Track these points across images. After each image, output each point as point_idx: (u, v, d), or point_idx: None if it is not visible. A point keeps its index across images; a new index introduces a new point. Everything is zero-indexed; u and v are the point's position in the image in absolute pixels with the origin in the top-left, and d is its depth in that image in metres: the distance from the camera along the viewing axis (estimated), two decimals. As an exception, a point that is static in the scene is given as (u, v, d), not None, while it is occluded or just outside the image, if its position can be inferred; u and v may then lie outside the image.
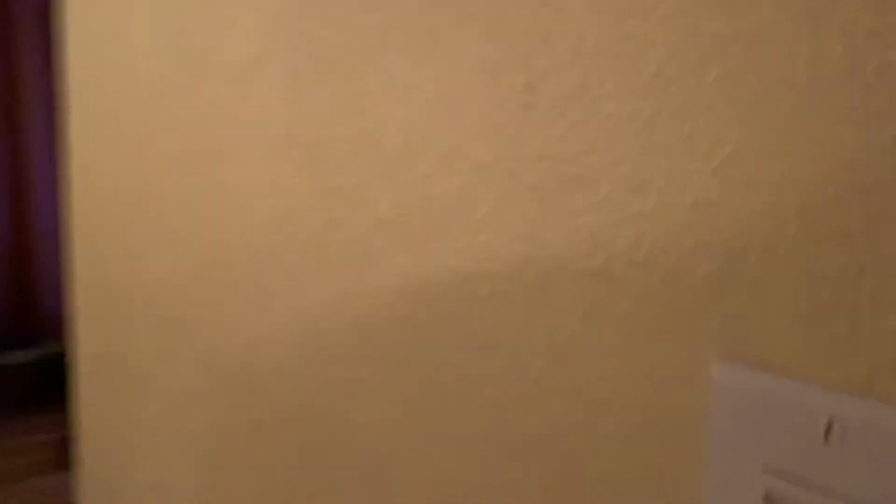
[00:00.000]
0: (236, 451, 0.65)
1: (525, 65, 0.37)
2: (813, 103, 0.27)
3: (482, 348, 0.40)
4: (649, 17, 0.32)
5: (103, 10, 0.83)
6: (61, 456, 2.48)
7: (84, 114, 0.91)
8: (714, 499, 0.30)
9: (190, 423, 0.73)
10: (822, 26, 0.26)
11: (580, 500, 0.36)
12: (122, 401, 0.88)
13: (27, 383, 3.25)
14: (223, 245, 0.64)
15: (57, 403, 2.43)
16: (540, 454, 0.38)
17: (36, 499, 2.70)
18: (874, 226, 0.25)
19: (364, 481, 0.50)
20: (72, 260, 1.00)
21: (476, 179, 0.40)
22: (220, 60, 0.62)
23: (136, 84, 0.77)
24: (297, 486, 0.57)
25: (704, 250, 0.30)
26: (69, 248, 1.01)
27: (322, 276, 0.52)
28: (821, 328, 0.27)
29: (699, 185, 0.30)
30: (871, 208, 0.25)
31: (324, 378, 0.53)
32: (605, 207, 0.34)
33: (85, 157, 0.93)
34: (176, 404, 0.75)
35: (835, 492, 0.26)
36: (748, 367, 0.29)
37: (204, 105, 0.65)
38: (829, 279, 0.27)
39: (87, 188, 0.93)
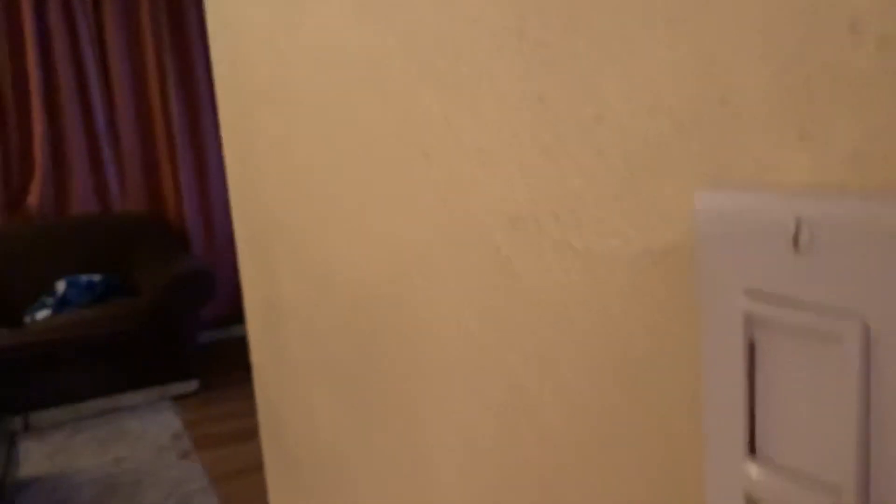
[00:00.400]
0: (359, 376, 0.69)
1: None
2: None
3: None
4: None
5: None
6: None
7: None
8: (705, 328, 0.28)
9: (324, 354, 0.77)
10: None
11: (585, 339, 0.35)
12: (277, 336, 0.95)
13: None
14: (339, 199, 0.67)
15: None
16: (548, 305, 0.37)
17: (262, 455, 2.99)
18: None
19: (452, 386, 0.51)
20: (236, 220, 1.09)
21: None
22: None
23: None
24: (402, 400, 0.59)
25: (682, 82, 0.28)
26: (234, 210, 1.10)
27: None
28: (786, 132, 0.25)
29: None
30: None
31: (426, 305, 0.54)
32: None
33: (233, 115, 1.01)
34: (313, 338, 0.80)
35: (808, 304, 0.24)
36: (727, 190, 0.27)
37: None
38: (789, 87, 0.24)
39: (240, 155, 1.01)
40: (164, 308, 3.77)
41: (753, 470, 0.26)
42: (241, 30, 0.88)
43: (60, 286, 3.94)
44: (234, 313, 4.73)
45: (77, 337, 3.65)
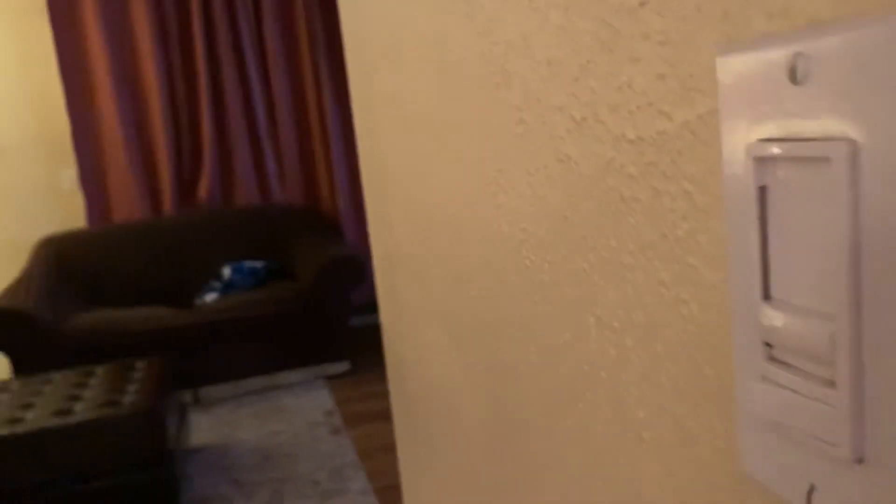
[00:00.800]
0: (458, 307, 0.72)
1: None
2: None
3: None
4: None
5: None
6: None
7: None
8: (727, 181, 0.29)
9: (435, 298, 0.81)
10: None
11: (637, 223, 0.36)
12: (394, 286, 1.00)
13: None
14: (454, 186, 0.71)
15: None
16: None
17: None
18: None
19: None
20: (366, 186, 1.16)
21: None
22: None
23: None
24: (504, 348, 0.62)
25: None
26: (364, 177, 1.17)
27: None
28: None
29: None
30: None
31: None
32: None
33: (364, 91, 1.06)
34: (420, 277, 0.84)
35: (808, 135, 0.24)
36: (740, 48, 0.27)
37: None
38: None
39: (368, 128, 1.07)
40: (317, 292, 3.97)
41: (768, 312, 0.27)
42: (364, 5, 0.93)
43: (226, 271, 4.24)
44: (384, 300, 4.89)
45: (241, 318, 3.91)
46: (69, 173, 4.38)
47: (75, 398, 2.78)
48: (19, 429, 2.52)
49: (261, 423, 3.67)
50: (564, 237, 0.47)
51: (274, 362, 4.05)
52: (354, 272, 4.01)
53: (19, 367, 3.49)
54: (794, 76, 0.24)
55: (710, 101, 0.31)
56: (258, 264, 4.32)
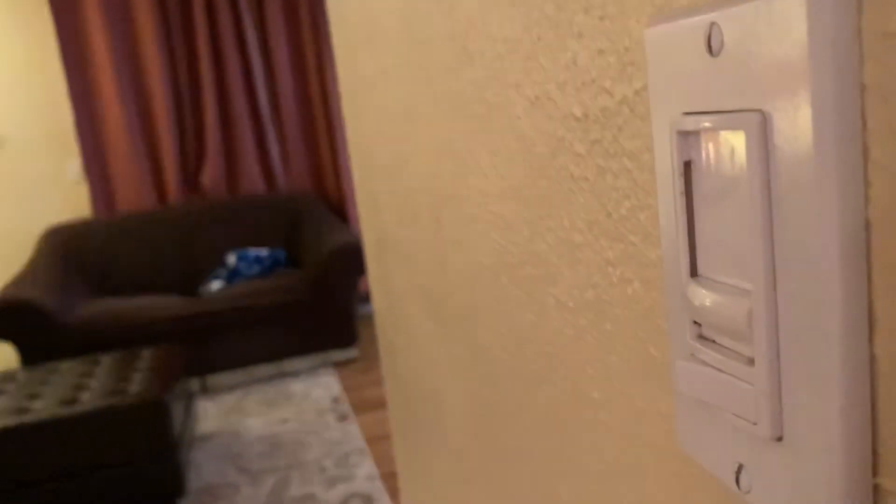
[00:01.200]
0: (437, 285, 0.72)
1: None
2: None
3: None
4: None
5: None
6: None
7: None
8: (657, 156, 0.28)
9: (419, 281, 0.81)
10: None
11: (585, 199, 0.36)
12: (388, 274, 1.00)
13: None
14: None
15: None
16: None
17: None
18: None
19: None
20: (355, 171, 1.15)
21: None
22: None
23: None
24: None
25: None
26: (353, 162, 1.16)
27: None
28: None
29: None
30: None
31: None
32: None
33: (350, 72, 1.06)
34: (413, 276, 0.84)
35: (724, 106, 0.24)
36: (666, 20, 0.27)
37: None
38: None
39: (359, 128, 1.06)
40: (324, 279, 3.98)
41: (695, 290, 0.26)
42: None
43: (231, 259, 4.25)
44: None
45: (248, 306, 3.92)
46: (74, 163, 4.40)
47: (82, 388, 2.80)
48: (26, 419, 2.54)
49: (268, 411, 3.69)
50: (525, 217, 0.46)
51: (281, 349, 4.06)
52: (360, 260, 4.01)
53: (26, 358, 3.51)
54: (710, 47, 0.24)
55: (644, 76, 0.30)
56: (263, 252, 4.33)
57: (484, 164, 0.52)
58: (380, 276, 1.07)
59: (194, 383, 3.94)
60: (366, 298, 4.96)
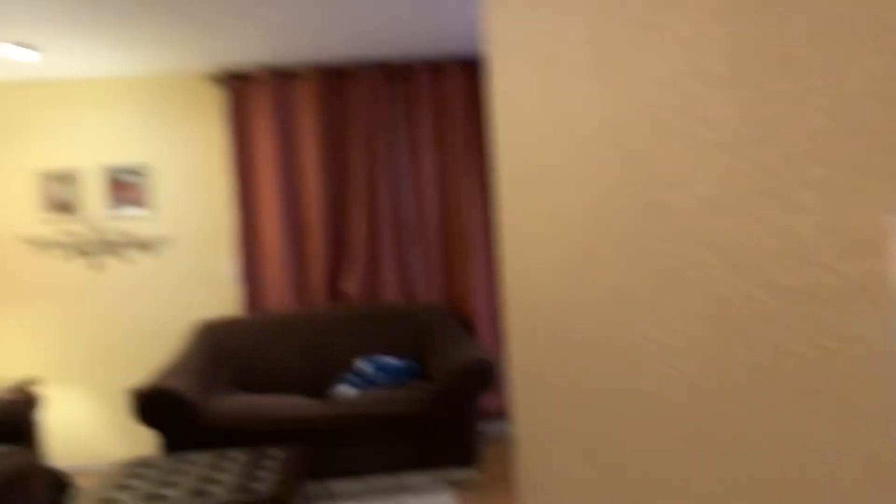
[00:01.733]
0: (616, 461, 0.70)
1: None
2: None
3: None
4: None
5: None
6: None
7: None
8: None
9: (577, 425, 0.80)
10: None
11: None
12: (536, 409, 0.99)
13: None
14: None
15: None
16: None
17: None
18: None
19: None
20: (508, 293, 1.17)
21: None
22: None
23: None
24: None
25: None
26: (507, 284, 1.18)
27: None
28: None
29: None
30: None
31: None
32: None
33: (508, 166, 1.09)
34: (570, 419, 0.83)
35: None
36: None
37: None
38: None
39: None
40: (452, 393, 3.97)
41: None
42: (514, 118, 0.97)
43: (366, 366, 4.33)
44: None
45: (376, 414, 3.96)
46: (229, 263, 4.70)
47: (212, 481, 2.88)
48: (160, 506, 2.63)
49: (383, 524, 3.64)
50: (716, 381, 0.45)
51: (400, 462, 4.04)
52: (485, 376, 4.00)
53: (167, 444, 3.66)
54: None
55: (879, 260, 0.30)
56: (402, 363, 4.39)
57: (668, 319, 0.52)
58: (527, 408, 1.06)
59: (313, 487, 3.97)
60: (488, 417, 4.90)
